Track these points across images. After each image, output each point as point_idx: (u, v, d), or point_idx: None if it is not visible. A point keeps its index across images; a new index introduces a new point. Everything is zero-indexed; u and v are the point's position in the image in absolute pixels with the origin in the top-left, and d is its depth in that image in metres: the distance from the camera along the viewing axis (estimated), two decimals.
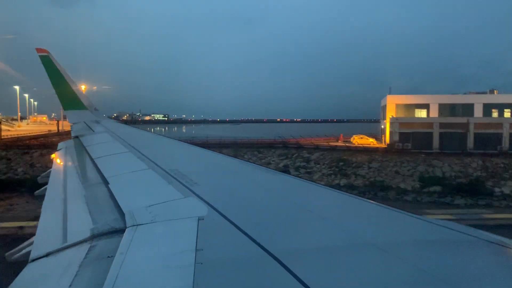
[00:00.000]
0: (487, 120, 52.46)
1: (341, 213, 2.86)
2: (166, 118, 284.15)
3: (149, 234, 2.36)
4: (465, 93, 61.72)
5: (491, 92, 60.46)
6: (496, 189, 40.01)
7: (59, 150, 7.62)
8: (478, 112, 56.00)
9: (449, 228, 2.41)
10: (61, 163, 6.34)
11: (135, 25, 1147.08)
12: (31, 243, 2.90)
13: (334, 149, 54.94)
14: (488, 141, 50.25)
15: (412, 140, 53.28)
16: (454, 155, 47.70)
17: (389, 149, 52.71)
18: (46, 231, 3.06)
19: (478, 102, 57.01)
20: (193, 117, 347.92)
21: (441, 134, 52.50)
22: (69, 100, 12.18)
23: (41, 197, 4.32)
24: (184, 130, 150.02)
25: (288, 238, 2.23)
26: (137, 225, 2.48)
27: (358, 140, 62.16)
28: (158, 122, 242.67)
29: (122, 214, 2.83)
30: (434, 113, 57.67)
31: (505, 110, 56.59)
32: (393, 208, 2.88)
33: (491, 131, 50.94)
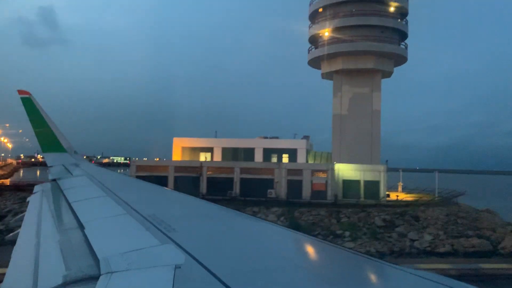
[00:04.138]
0: (219, 164, 53.09)
1: (322, 263, 2.88)
2: (128, 161, 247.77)
3: (123, 282, 2.31)
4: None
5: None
6: None
7: (35, 193, 7.30)
8: (258, 156, 56.70)
9: (431, 279, 2.40)
10: (36, 207, 5.91)
11: (103, 68, 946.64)
12: None
13: None
14: (220, 185, 50.56)
15: None
16: None
17: None
18: (15, 278, 2.99)
19: (258, 146, 58.13)
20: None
21: (176, 177, 50.61)
22: (49, 143, 11.92)
23: (13, 242, 4.15)
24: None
25: None
26: (112, 272, 2.39)
27: None
28: (117, 165, 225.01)
29: (97, 260, 2.72)
30: (218, 156, 56.47)
31: (284, 155, 58.88)
32: (374, 258, 2.88)
33: (224, 175, 51.72)
